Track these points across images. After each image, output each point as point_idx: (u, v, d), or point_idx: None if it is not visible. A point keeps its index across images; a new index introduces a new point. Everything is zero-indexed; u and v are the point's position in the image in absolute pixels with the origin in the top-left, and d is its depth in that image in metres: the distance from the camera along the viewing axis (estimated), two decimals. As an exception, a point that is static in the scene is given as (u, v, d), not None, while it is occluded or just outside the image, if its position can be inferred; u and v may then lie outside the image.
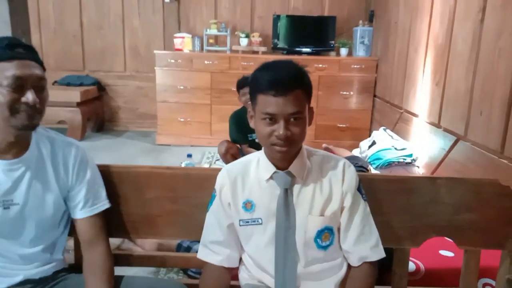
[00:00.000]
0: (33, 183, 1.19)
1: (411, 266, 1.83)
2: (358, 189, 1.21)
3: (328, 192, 1.19)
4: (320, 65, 4.80)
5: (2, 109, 1.09)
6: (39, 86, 1.14)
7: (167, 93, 4.89)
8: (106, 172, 1.40)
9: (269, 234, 1.19)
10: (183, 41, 4.93)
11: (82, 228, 1.28)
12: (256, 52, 5.03)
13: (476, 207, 1.43)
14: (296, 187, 1.18)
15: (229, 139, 3.61)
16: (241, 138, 3.40)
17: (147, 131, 5.49)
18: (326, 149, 4.35)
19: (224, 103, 4.86)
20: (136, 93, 5.56)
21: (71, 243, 1.43)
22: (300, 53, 5.02)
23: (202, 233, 1.29)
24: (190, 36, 5.02)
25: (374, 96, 4.88)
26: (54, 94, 4.76)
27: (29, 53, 1.14)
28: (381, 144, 3.52)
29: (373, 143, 3.66)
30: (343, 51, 5.00)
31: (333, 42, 5.03)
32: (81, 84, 5.17)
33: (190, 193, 1.43)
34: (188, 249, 2.13)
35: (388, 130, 3.78)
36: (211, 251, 1.25)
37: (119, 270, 1.36)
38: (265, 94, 1.10)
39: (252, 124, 1.20)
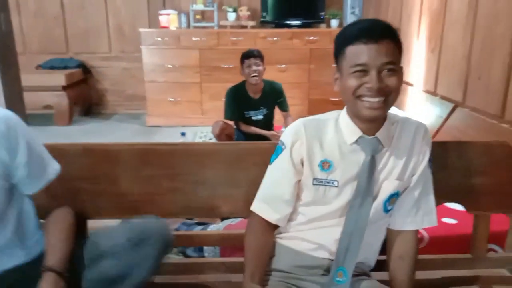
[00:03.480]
0: None
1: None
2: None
3: (407, 157, 1.14)
4: (311, 38, 4.70)
5: None
6: None
7: (155, 72, 4.76)
8: (100, 151, 1.33)
9: (343, 199, 1.13)
10: (169, 18, 4.78)
11: (37, 201, 1.19)
12: (245, 27, 4.90)
13: (486, 170, 1.39)
14: (382, 153, 1.12)
15: (221, 118, 3.48)
16: (238, 115, 3.30)
17: (136, 113, 5.37)
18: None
19: (214, 81, 4.75)
20: (123, 75, 5.41)
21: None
22: (289, 26, 4.91)
23: (260, 186, 1.22)
24: (176, 12, 4.87)
25: (367, 67, 4.81)
26: (38, 78, 4.62)
27: None
28: (377, 115, 3.46)
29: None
30: (334, 23, 4.90)
31: (323, 13, 4.92)
32: (65, 67, 5.01)
33: (189, 170, 1.36)
34: None
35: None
36: (271, 208, 1.18)
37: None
38: (355, 44, 1.02)
39: (336, 87, 1.11)
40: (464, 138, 2.58)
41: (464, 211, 2.14)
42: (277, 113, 3.47)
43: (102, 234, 1.19)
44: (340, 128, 1.13)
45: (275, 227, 1.21)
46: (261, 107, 3.31)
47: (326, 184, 1.13)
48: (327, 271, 1.15)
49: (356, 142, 1.11)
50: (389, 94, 1.04)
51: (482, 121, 2.47)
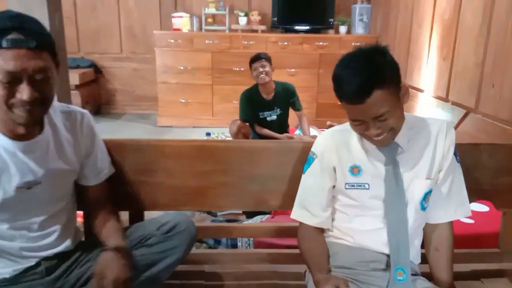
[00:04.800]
0: (54, 160, 1.17)
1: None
2: (454, 151, 1.25)
3: (431, 155, 1.22)
4: (321, 43, 4.82)
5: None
6: (40, 79, 1.01)
7: (167, 74, 4.85)
8: (159, 147, 1.42)
9: (378, 201, 1.22)
10: (182, 21, 4.86)
11: (92, 194, 1.30)
12: (256, 31, 5.00)
13: (515, 171, 1.50)
14: (402, 155, 1.21)
15: (235, 118, 3.58)
16: (252, 117, 3.39)
17: (145, 113, 5.44)
18: (330, 126, 4.40)
19: (225, 83, 4.85)
20: (133, 75, 5.48)
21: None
22: (299, 31, 5.02)
23: (297, 194, 1.32)
24: (188, 15, 4.96)
25: (374, 73, 4.93)
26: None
27: (29, 38, 0.98)
28: (388, 120, 3.58)
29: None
30: (342, 29, 5.02)
31: (332, 19, 5.04)
32: (77, 67, 5.07)
33: (241, 166, 1.45)
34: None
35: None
36: (310, 213, 1.28)
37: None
38: (345, 103, 1.10)
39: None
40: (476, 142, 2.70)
41: (480, 212, 2.27)
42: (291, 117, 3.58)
43: (135, 227, 1.31)
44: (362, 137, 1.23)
45: (323, 228, 1.31)
46: (275, 108, 3.42)
47: (358, 187, 1.23)
48: (387, 265, 1.22)
49: (377, 148, 1.20)
50: (390, 132, 1.12)
51: (495, 126, 2.60)
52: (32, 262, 1.18)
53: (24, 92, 0.99)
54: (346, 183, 1.23)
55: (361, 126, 1.12)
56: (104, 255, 1.12)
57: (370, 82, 1.05)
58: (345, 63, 1.12)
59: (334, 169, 1.25)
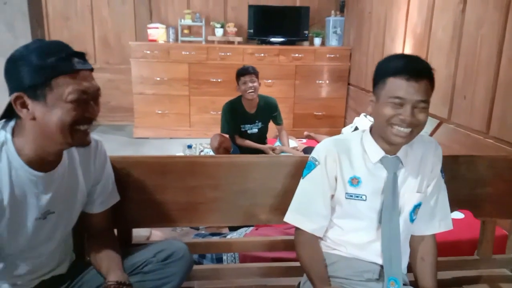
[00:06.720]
0: (67, 189, 1.16)
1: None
2: (440, 169, 1.33)
3: (422, 170, 1.28)
4: (297, 55, 4.90)
5: (62, 128, 1.01)
6: (97, 97, 1.07)
7: (144, 85, 4.80)
8: (150, 164, 1.41)
9: (373, 213, 1.25)
10: (158, 32, 4.84)
11: (95, 221, 1.28)
12: (232, 42, 5.04)
13: (492, 181, 1.57)
14: (401, 170, 1.26)
15: (213, 129, 3.58)
16: (234, 129, 3.40)
17: (120, 124, 5.36)
18: (308, 136, 4.47)
19: (202, 94, 4.85)
20: (107, 86, 5.37)
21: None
22: (274, 43, 5.09)
23: (293, 199, 1.33)
24: (164, 26, 4.95)
25: (348, 84, 5.05)
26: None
27: (85, 61, 1.04)
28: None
29: (356, 129, 3.81)
30: (317, 41, 5.12)
31: (307, 32, 5.13)
32: (49, 78, 4.95)
33: (232, 180, 1.46)
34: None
35: (369, 116, 3.95)
36: (306, 218, 1.29)
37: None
38: (397, 78, 1.13)
39: (370, 109, 1.23)
40: (449, 152, 2.79)
41: (457, 219, 2.36)
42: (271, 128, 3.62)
43: (130, 252, 1.29)
44: (364, 147, 1.27)
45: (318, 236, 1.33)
46: (256, 121, 3.44)
47: (356, 198, 1.26)
48: (380, 275, 1.26)
49: (380, 161, 1.25)
50: (416, 126, 1.17)
51: (467, 136, 2.71)
52: (31, 285, 1.15)
53: (93, 110, 1.06)
54: (346, 193, 1.26)
55: (397, 108, 1.14)
56: None
57: (428, 68, 1.16)
58: (400, 54, 1.22)
59: (336, 179, 1.27)
